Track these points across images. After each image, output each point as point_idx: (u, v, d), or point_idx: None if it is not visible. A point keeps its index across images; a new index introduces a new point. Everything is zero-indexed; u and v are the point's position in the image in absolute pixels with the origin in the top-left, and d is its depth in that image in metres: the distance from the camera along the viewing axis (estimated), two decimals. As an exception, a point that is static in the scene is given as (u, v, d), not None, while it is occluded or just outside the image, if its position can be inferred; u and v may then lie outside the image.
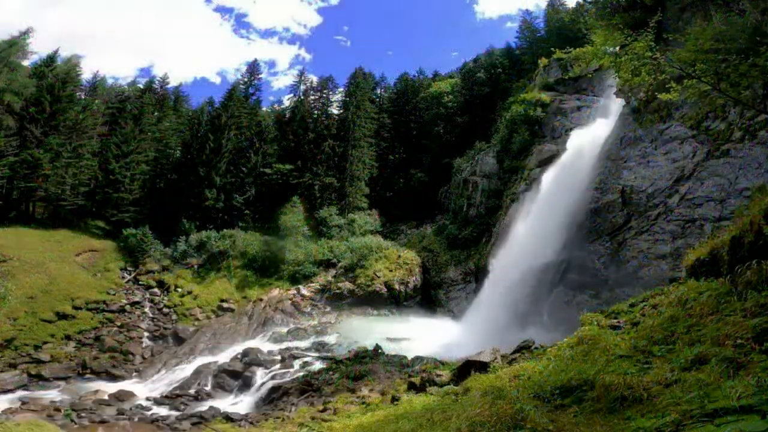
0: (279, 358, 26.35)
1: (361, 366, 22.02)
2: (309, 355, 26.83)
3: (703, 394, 3.78)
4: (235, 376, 24.52)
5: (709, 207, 19.88)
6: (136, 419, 19.55)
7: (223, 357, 27.37)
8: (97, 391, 22.82)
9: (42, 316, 28.56)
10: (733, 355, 4.53)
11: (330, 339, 30.29)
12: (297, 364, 25.34)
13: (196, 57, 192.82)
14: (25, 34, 41.70)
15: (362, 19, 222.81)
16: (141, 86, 64.76)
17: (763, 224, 6.25)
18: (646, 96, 21.68)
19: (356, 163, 50.26)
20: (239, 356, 26.35)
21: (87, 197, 44.32)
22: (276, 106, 63.63)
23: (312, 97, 55.87)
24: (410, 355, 24.09)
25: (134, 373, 26.23)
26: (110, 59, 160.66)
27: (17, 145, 38.10)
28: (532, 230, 30.06)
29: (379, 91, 68.18)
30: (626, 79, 9.20)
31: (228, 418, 18.71)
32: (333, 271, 39.90)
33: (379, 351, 24.97)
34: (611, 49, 10.31)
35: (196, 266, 38.74)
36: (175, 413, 20.64)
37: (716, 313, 5.82)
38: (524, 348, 12.81)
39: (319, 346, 28.66)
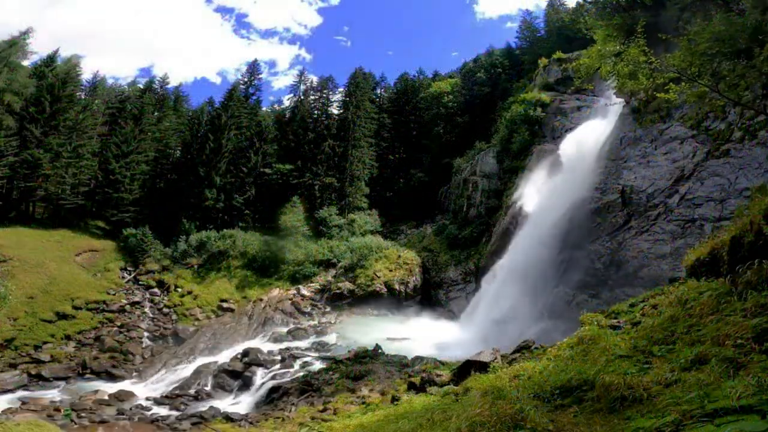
0: (279, 358, 26.35)
1: (361, 366, 22.02)
2: (309, 355, 26.83)
3: (703, 394, 3.77)
4: (235, 376, 24.52)
5: (709, 207, 19.89)
6: (136, 419, 19.56)
7: (223, 357, 27.36)
8: (97, 391, 22.82)
9: (42, 316, 28.56)
10: (733, 355, 4.53)
11: (330, 339, 30.29)
12: (297, 364, 25.34)
13: (196, 57, 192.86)
14: (25, 34, 41.70)
15: (362, 20, 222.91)
16: (141, 86, 64.77)
17: (763, 224, 6.25)
18: (645, 96, 21.70)
19: (356, 163, 50.26)
20: (239, 356, 26.35)
21: (87, 197, 44.30)
22: (276, 106, 63.80)
23: (312, 97, 55.91)
24: (410, 355, 24.08)
25: (134, 373, 26.22)
26: (110, 59, 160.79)
27: (17, 145, 38.10)
28: (532, 230, 30.06)
29: (379, 91, 68.20)
30: (624, 83, 9.22)
31: (228, 418, 18.72)
32: (333, 271, 39.90)
33: (379, 351, 24.96)
34: (610, 52, 10.32)
35: (196, 266, 38.74)
36: (175, 413, 20.64)
37: (716, 313, 5.82)
38: (524, 348, 12.80)
39: (319, 346, 28.66)
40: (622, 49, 9.10)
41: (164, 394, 23.24)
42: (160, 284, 36.63)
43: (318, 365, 24.55)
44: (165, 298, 35.51)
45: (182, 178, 46.18)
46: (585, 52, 11.16)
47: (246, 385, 23.76)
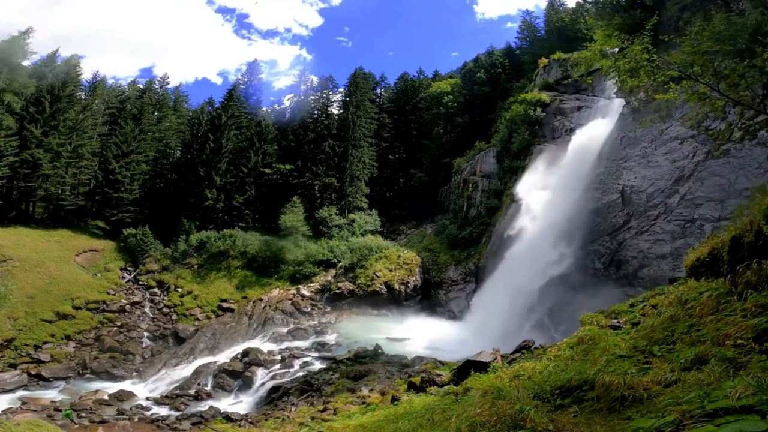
0: (279, 358, 26.35)
1: (361, 366, 22.03)
2: (309, 355, 26.85)
3: (703, 394, 3.77)
4: (235, 376, 24.52)
5: (709, 207, 19.89)
6: (136, 419, 19.54)
7: (223, 357, 27.37)
8: (97, 391, 22.83)
9: (42, 316, 28.56)
10: (733, 355, 4.53)
11: (330, 339, 30.29)
12: (297, 364, 25.35)
13: (197, 58, 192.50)
14: (25, 34, 41.74)
15: (363, 20, 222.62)
16: (141, 86, 64.79)
17: (763, 224, 6.26)
18: (646, 96, 21.69)
19: (356, 163, 50.24)
20: (239, 356, 26.35)
21: (87, 197, 44.34)
22: (276, 106, 63.61)
23: (312, 97, 55.83)
24: (410, 355, 24.09)
25: (134, 373, 26.21)
26: (111, 59, 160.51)
27: (17, 145, 38.10)
28: (533, 230, 30.06)
29: (379, 91, 68.17)
30: (625, 80, 9.20)
31: (228, 418, 18.71)
32: (333, 271, 39.89)
33: (379, 351, 24.97)
34: (610, 49, 10.31)
35: (196, 266, 38.74)
36: (175, 413, 20.64)
37: (716, 313, 5.82)
38: (524, 348, 12.81)
39: (319, 346, 28.66)
40: (626, 45, 9.07)
41: (164, 394, 23.24)
42: (160, 284, 36.63)
43: (318, 365, 24.56)
44: (165, 298, 35.51)
45: (182, 178, 46.16)
46: (587, 46, 11.17)
47: (246, 385, 23.76)
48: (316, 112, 54.47)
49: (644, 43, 8.70)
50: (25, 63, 43.73)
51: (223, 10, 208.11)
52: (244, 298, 36.61)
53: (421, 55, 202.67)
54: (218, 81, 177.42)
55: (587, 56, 10.28)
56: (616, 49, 10.12)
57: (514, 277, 29.27)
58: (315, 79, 58.44)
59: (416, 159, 57.77)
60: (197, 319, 33.63)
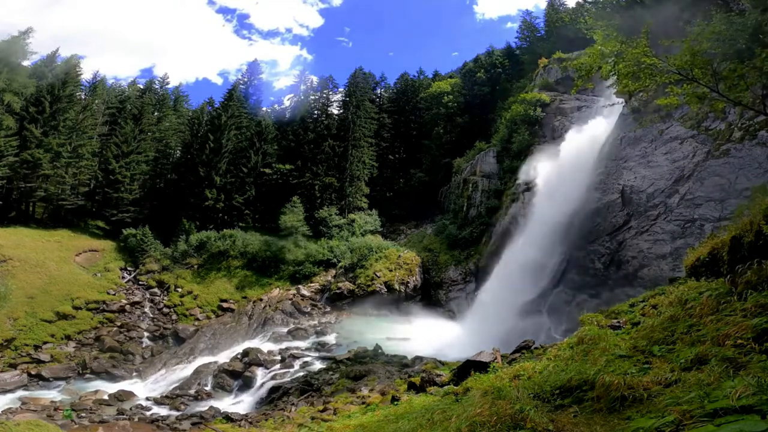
0: (279, 358, 26.36)
1: (361, 366, 22.04)
2: (309, 355, 26.85)
3: (703, 394, 3.77)
4: (235, 376, 24.53)
5: (709, 207, 19.91)
6: (136, 419, 19.54)
7: (223, 357, 27.37)
8: (97, 391, 22.83)
9: (42, 316, 28.56)
10: (733, 355, 4.54)
11: (330, 339, 30.30)
12: (297, 364, 25.35)
13: (197, 58, 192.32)
14: (25, 34, 41.76)
15: (363, 20, 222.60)
16: (141, 86, 64.80)
17: (763, 224, 6.26)
18: (646, 96, 21.70)
19: (356, 163, 50.24)
20: (239, 356, 26.36)
21: (87, 197, 44.32)
22: (276, 106, 63.57)
23: (312, 97, 55.81)
24: (410, 355, 24.08)
25: (134, 373, 26.22)
26: (111, 59, 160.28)
27: (17, 145, 38.09)
28: (533, 231, 30.05)
29: (379, 91, 68.18)
30: (627, 85, 9.17)
31: (228, 418, 18.71)
32: (333, 271, 39.90)
33: (379, 351, 24.97)
34: (610, 51, 10.26)
35: (196, 266, 38.74)
36: (175, 413, 20.64)
37: (716, 313, 5.82)
38: (524, 348, 12.82)
39: (319, 346, 28.68)
40: (623, 49, 9.05)
41: (164, 394, 23.25)
42: (160, 284, 36.63)
43: (318, 365, 24.57)
44: (165, 298, 35.52)
45: (182, 178, 46.16)
46: (587, 50, 11.12)
47: (246, 385, 23.77)
48: (316, 112, 54.48)
49: (643, 46, 8.68)
50: (25, 63, 43.87)
51: (224, 11, 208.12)
52: (244, 298, 36.62)
53: (421, 55, 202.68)
54: (218, 81, 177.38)
55: (587, 62, 10.19)
56: (616, 51, 10.07)
57: (514, 277, 29.26)
58: (315, 79, 58.49)
59: (416, 159, 57.77)
60: (197, 319, 33.63)
